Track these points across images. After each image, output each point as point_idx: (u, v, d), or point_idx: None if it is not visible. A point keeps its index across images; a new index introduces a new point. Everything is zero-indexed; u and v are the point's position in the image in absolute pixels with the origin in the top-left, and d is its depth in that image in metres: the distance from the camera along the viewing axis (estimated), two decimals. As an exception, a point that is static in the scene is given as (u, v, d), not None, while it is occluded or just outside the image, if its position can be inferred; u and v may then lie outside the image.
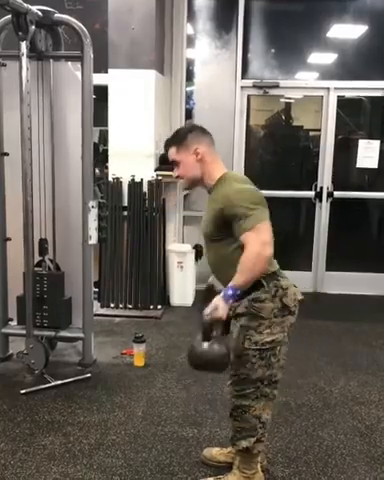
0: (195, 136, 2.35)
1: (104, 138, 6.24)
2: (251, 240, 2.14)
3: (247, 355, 2.32)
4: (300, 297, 2.39)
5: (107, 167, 5.24)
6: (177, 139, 2.37)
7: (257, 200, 2.22)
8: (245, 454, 2.46)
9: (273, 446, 2.90)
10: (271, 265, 2.33)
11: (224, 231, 2.27)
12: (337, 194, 5.67)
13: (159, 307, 5.10)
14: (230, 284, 2.17)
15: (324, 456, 2.83)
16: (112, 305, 5.11)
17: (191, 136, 2.35)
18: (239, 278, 2.16)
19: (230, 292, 2.16)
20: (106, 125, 5.09)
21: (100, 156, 6.07)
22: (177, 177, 2.45)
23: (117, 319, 4.88)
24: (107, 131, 5.16)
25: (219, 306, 2.16)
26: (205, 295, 2.43)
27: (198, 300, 5.24)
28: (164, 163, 5.08)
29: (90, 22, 4.60)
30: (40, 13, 3.45)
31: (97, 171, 5.93)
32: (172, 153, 2.38)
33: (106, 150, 5.29)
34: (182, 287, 5.25)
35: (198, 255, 5.31)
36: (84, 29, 3.58)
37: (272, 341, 2.31)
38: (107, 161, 5.18)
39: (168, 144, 2.43)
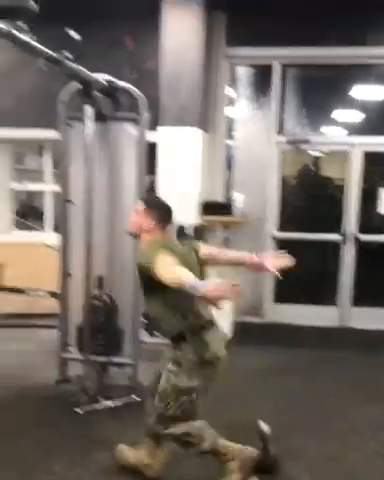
0: None
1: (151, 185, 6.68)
2: None
3: (165, 392, 2.63)
4: (221, 354, 2.68)
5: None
6: None
7: None
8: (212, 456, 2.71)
9: (300, 469, 3.08)
10: (199, 317, 2.66)
11: None
12: (362, 237, 5.95)
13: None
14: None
15: (349, 478, 3.04)
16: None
17: None
18: None
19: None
20: (153, 173, 5.51)
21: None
22: None
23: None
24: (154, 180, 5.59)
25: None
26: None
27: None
28: (207, 211, 5.57)
29: (144, 88, 5.12)
30: (105, 83, 3.92)
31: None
32: None
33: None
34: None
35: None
36: (143, 97, 4.03)
37: (188, 388, 2.59)
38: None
39: None
